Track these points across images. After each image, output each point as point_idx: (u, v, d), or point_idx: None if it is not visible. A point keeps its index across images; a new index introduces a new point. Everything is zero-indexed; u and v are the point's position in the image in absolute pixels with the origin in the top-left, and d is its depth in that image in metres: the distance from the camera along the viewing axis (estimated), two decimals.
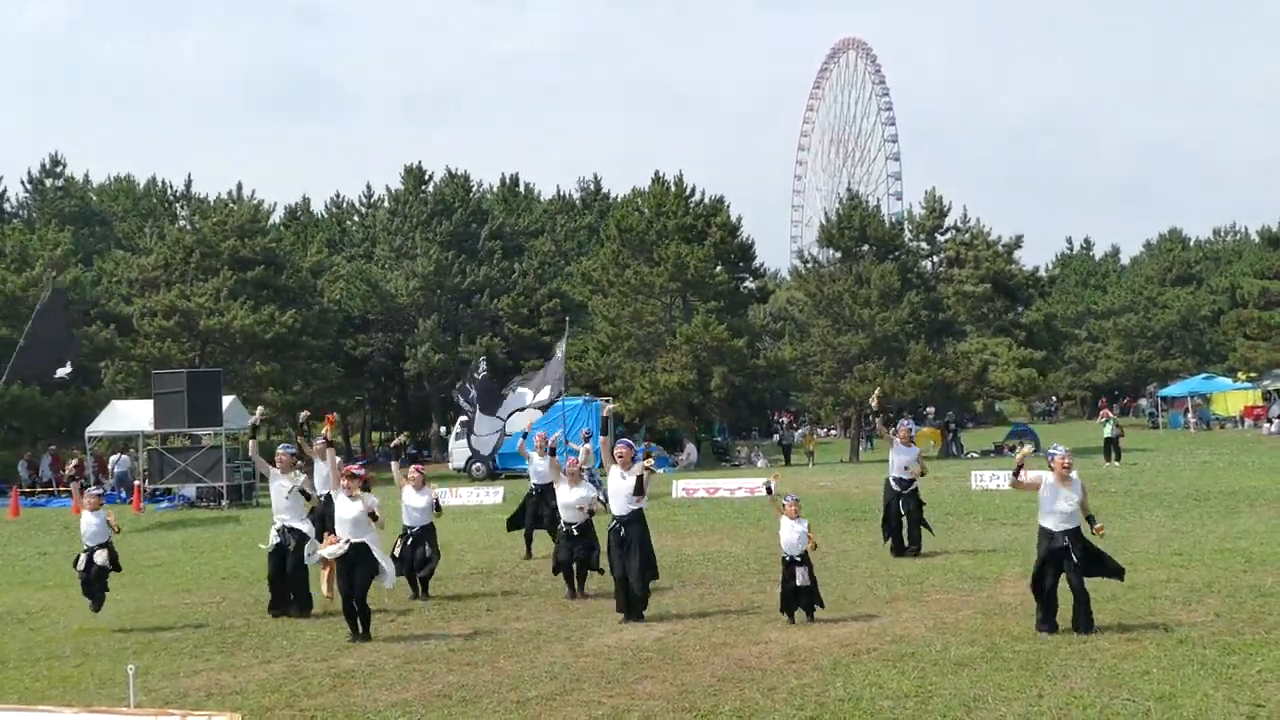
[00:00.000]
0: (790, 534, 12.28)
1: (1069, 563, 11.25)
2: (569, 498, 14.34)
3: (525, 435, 18.43)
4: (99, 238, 63.88)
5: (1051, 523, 11.34)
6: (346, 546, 11.78)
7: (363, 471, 12.16)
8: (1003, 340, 47.47)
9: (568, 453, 20.01)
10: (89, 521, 13.30)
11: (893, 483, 17.37)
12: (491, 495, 30.50)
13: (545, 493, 18.20)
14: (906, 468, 17.35)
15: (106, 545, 13.32)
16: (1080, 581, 11.22)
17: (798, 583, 12.07)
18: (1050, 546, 11.30)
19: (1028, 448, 11.91)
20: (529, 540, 18.46)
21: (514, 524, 18.95)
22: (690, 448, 45.43)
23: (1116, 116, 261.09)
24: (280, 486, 13.74)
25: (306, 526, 13.75)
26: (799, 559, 12.16)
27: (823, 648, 10.88)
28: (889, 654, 10.48)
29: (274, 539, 13.72)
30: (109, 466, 37.83)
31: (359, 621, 11.82)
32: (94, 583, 13.17)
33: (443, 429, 53.65)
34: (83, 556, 13.28)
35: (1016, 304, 50.44)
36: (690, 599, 14.02)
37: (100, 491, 13.81)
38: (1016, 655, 10.26)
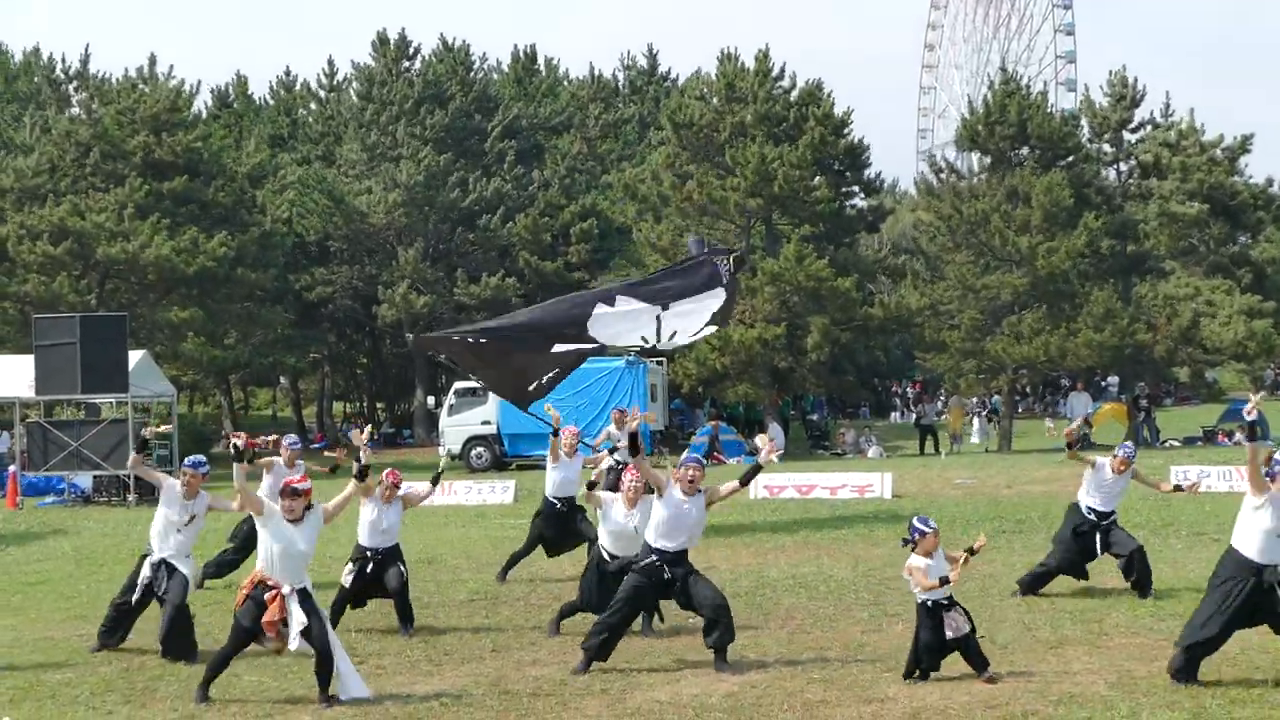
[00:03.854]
0: (930, 570, 11.96)
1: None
2: (625, 523, 13.94)
3: (555, 431, 17.92)
4: None
5: (1257, 549, 11.42)
6: (292, 600, 11.52)
7: (307, 485, 11.96)
8: (1221, 282, 46.78)
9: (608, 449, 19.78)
10: None
11: (1084, 510, 16.61)
12: (499, 492, 30.66)
13: (573, 510, 18.11)
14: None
15: None
16: None
17: (951, 634, 11.87)
18: (1256, 582, 11.41)
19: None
20: (513, 564, 18.48)
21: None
22: (775, 429, 45.36)
23: None
24: (176, 511, 13.91)
25: (188, 568, 13.98)
26: (947, 601, 11.97)
27: (961, 709, 10.86)
28: None
29: (145, 574, 13.94)
30: None
31: (324, 676, 11.71)
32: None
33: (430, 400, 53.98)
34: None
35: (1241, 231, 49.68)
36: (774, 639, 14.02)
37: None
38: None
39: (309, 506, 11.74)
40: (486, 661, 13.24)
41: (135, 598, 13.96)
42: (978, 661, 11.90)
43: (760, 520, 25.42)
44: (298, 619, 11.44)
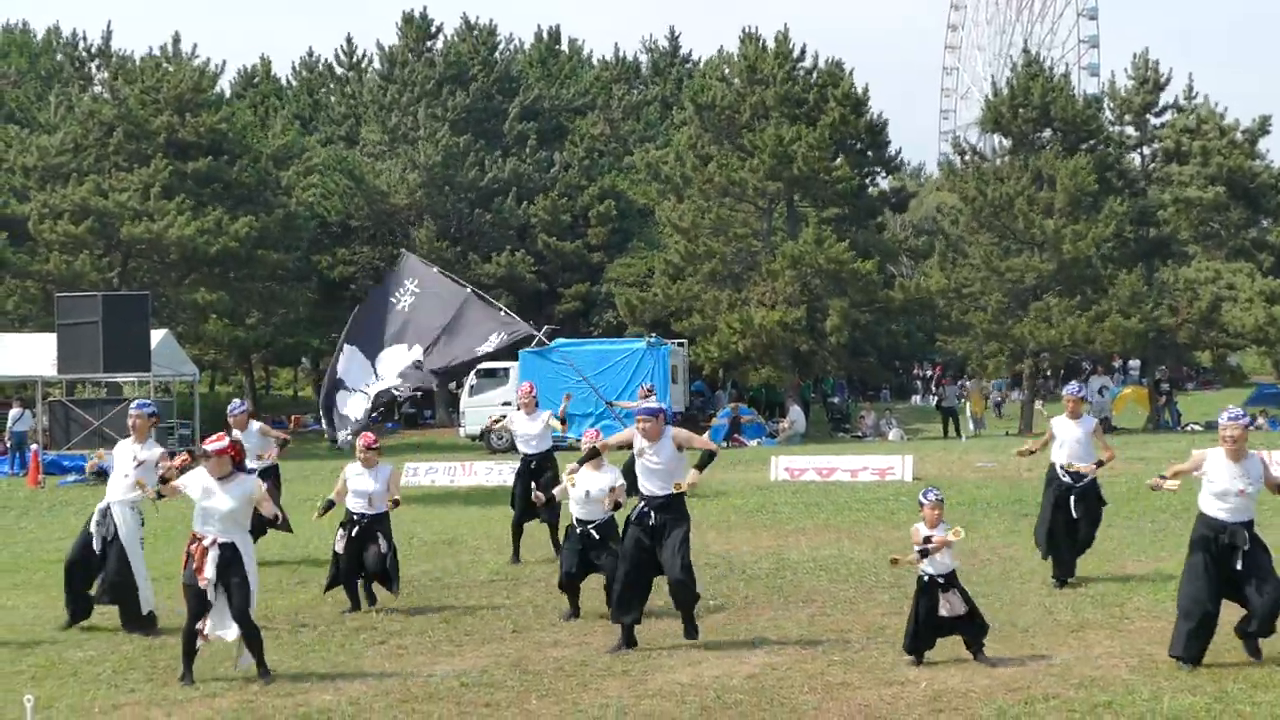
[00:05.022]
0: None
1: (1236, 572, 11.58)
2: (589, 484, 14.14)
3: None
4: None
5: (1216, 509, 11.67)
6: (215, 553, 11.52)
7: (222, 445, 11.68)
8: (1242, 266, 46.65)
9: (621, 416, 20.56)
10: None
11: (1060, 471, 16.19)
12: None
13: (542, 466, 18.65)
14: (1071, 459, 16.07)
15: None
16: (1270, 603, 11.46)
17: (945, 612, 11.90)
18: (1215, 542, 11.63)
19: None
20: (517, 537, 18.70)
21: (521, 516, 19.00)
22: (795, 412, 45.35)
23: None
24: (126, 453, 14.07)
25: (130, 518, 14.04)
26: (944, 580, 12.00)
27: (982, 692, 10.83)
28: (1075, 703, 10.40)
29: (94, 521, 14.15)
30: (8, 425, 38.39)
31: (256, 652, 11.76)
32: None
33: (452, 383, 54.00)
34: None
35: (1262, 215, 49.52)
36: (796, 622, 14.00)
37: None
38: (1258, 709, 10.15)
39: (243, 469, 11.84)
40: (507, 642, 13.25)
41: (89, 552, 14.15)
42: (975, 646, 11.95)
43: (781, 502, 25.39)
44: (209, 566, 11.44)
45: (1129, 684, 10.95)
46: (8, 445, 37.59)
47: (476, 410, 43.13)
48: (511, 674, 11.78)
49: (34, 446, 33.92)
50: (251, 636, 11.60)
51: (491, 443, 42.12)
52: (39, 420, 35.54)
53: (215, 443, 11.81)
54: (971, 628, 11.99)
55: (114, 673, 12.13)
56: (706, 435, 42.48)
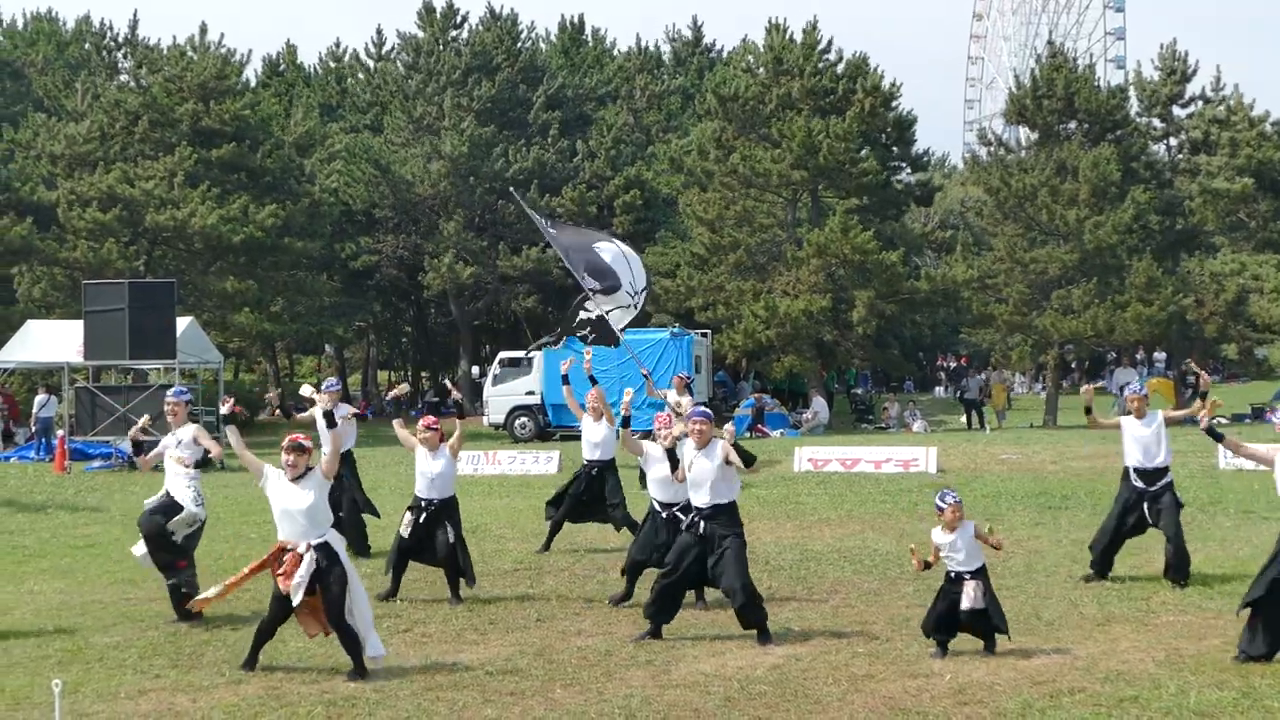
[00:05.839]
0: (954, 544, 11.98)
1: None
2: (662, 471, 13.87)
3: (565, 379, 17.66)
4: (11, 97, 64.87)
5: None
6: (311, 562, 11.44)
7: (309, 444, 11.75)
8: (1269, 258, 46.40)
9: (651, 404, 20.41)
10: None
11: (1133, 475, 15.68)
12: (543, 462, 30.67)
13: (603, 474, 18.25)
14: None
15: None
16: None
17: (966, 605, 11.85)
18: None
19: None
20: (553, 531, 18.60)
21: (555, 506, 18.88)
22: (819, 403, 45.29)
23: None
24: (170, 441, 14.33)
25: (184, 497, 14.07)
26: (970, 574, 11.93)
27: (1007, 685, 10.81)
28: (1101, 697, 10.38)
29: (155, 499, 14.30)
30: (34, 411, 38.50)
31: (353, 653, 11.66)
32: None
33: (475, 370, 54.06)
34: None
35: None
36: (819, 613, 13.98)
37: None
38: None
39: (310, 466, 11.66)
40: (531, 631, 13.26)
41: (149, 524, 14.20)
42: (988, 641, 11.92)
43: (804, 493, 25.36)
44: (305, 569, 11.37)
45: (1155, 678, 10.91)
46: (34, 431, 37.77)
47: (500, 399, 43.14)
48: (536, 663, 11.80)
49: (60, 432, 34.03)
50: (348, 637, 11.46)
51: (515, 432, 42.12)
52: (65, 406, 35.63)
53: (304, 440, 11.69)
54: (986, 623, 11.95)
55: (140, 658, 12.17)
56: (730, 425, 42.72)
